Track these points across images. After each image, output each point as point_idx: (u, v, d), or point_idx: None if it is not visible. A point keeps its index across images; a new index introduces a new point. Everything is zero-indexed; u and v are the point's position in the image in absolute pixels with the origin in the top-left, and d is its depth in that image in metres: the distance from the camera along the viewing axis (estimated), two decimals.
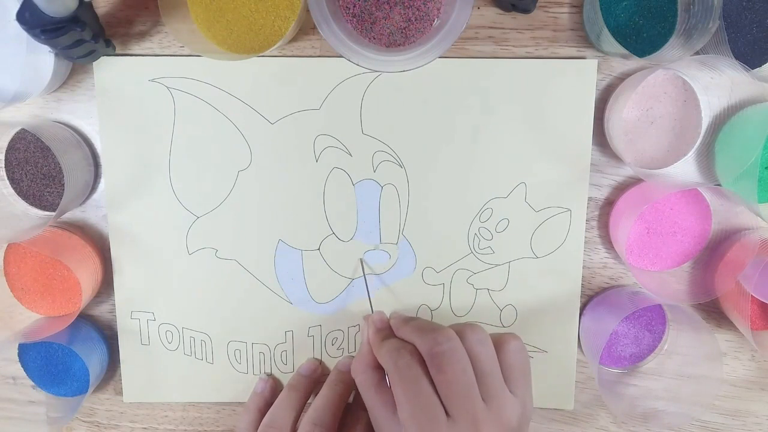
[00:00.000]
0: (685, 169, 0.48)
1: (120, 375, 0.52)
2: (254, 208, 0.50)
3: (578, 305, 0.50)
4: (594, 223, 0.50)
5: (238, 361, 0.52)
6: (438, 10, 0.44)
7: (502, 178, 0.49)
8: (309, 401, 0.48)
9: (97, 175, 0.50)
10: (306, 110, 0.48)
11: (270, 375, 0.52)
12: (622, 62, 0.47)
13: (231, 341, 0.52)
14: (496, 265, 0.50)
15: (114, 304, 0.51)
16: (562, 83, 0.47)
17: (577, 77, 0.47)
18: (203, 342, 0.52)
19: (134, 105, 0.48)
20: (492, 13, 0.47)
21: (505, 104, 0.47)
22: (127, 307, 0.51)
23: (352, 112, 0.48)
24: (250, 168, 0.49)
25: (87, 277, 0.48)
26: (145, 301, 0.51)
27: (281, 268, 0.50)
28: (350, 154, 0.49)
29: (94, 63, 0.48)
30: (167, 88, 0.48)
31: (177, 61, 0.48)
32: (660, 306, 0.51)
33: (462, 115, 0.48)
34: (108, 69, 0.48)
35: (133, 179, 0.49)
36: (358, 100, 0.48)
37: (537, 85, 0.47)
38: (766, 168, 0.46)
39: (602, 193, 0.49)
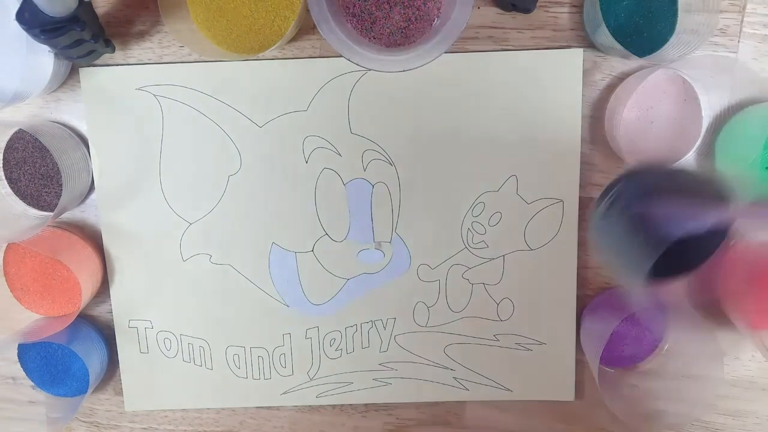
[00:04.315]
0: None
1: (120, 375, 0.52)
2: (246, 212, 0.50)
3: (575, 295, 0.50)
4: None
5: (237, 366, 0.52)
6: (438, 10, 0.44)
7: (492, 171, 0.49)
8: None
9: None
10: (293, 112, 0.48)
11: None
12: (622, 62, 0.47)
13: (229, 346, 0.52)
14: (491, 259, 0.50)
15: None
16: (549, 73, 0.47)
17: (563, 67, 0.47)
18: (202, 348, 0.52)
19: (122, 114, 0.48)
20: (492, 13, 0.47)
21: (492, 97, 0.47)
22: (124, 316, 0.51)
23: (340, 112, 0.48)
24: (240, 172, 0.49)
25: (87, 277, 0.48)
26: (142, 309, 0.51)
27: (276, 271, 0.50)
28: (339, 154, 0.49)
29: (80, 72, 0.48)
30: (154, 96, 0.48)
31: (163, 68, 0.48)
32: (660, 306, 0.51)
33: (449, 110, 0.48)
34: (94, 79, 0.48)
35: (124, 188, 0.49)
36: (345, 99, 0.48)
37: (523, 76, 0.47)
38: (766, 168, 0.46)
39: None
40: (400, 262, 0.50)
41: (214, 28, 0.46)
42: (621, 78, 0.47)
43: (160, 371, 0.52)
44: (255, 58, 0.47)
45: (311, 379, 0.52)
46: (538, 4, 0.45)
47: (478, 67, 0.47)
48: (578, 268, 0.50)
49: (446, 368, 0.51)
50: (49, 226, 0.50)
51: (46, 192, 0.50)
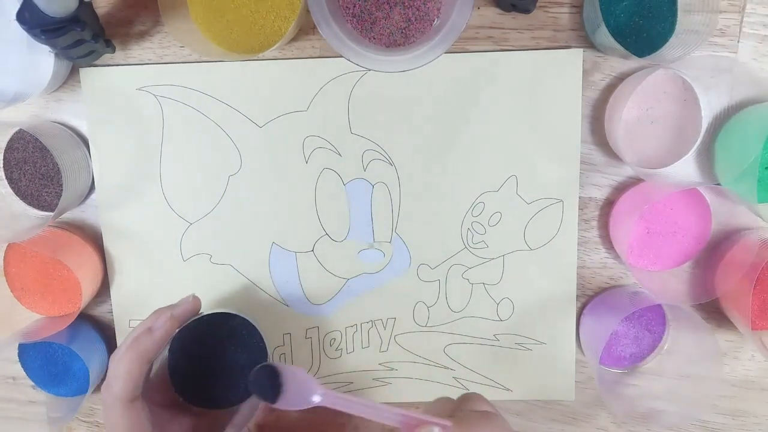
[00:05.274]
0: (685, 169, 0.48)
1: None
2: (246, 212, 0.50)
3: (575, 295, 0.50)
4: (594, 223, 0.50)
5: None
6: (438, 10, 0.44)
7: (492, 171, 0.49)
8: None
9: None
10: (293, 112, 0.48)
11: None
12: (622, 62, 0.47)
13: None
14: (491, 259, 0.50)
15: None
16: (549, 73, 0.47)
17: (563, 67, 0.47)
18: None
19: (123, 114, 0.48)
20: (492, 13, 0.47)
21: (492, 97, 0.47)
22: (124, 316, 0.51)
23: (340, 112, 0.48)
24: (241, 172, 0.49)
25: (87, 277, 0.48)
26: (142, 309, 0.51)
27: (276, 271, 0.50)
28: (340, 155, 0.49)
29: (81, 72, 0.48)
30: (154, 96, 0.48)
31: (163, 68, 0.48)
32: (660, 306, 0.51)
33: (449, 110, 0.48)
34: (94, 79, 0.48)
35: (124, 188, 0.49)
36: (345, 99, 0.48)
37: (523, 76, 0.47)
38: (766, 168, 0.46)
39: (602, 193, 0.49)
40: (400, 262, 0.50)
41: (214, 28, 0.46)
42: (621, 78, 0.47)
43: None
44: (255, 58, 0.47)
45: None
46: (538, 4, 0.45)
47: (477, 67, 0.47)
48: (578, 268, 0.50)
49: (446, 368, 0.52)
50: (49, 226, 0.50)
51: (46, 192, 0.50)
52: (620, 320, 0.47)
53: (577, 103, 0.47)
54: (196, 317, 0.43)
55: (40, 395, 0.53)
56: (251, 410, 0.44)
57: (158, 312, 0.43)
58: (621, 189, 0.49)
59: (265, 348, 0.45)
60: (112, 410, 0.38)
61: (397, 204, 0.49)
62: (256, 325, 0.45)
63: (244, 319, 0.45)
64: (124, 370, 0.38)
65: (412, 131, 0.48)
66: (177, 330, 0.41)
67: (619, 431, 0.53)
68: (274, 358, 0.52)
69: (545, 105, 0.47)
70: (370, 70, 0.45)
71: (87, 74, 0.48)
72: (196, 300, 0.44)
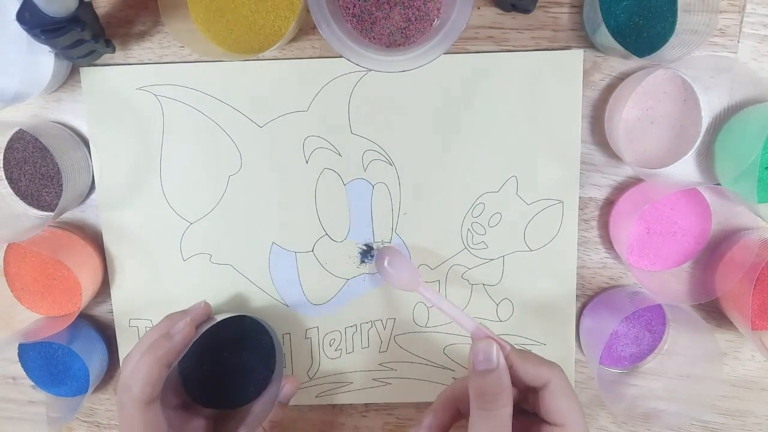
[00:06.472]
0: (685, 169, 0.48)
1: (120, 375, 0.52)
2: (246, 212, 0.50)
3: (574, 296, 0.50)
4: (594, 223, 0.50)
5: None
6: (438, 10, 0.44)
7: (492, 172, 0.49)
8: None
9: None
10: (294, 112, 0.48)
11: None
12: (622, 62, 0.47)
13: None
14: (491, 260, 0.50)
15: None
16: (550, 75, 0.47)
17: (563, 67, 0.47)
18: None
19: (123, 114, 0.48)
20: (492, 13, 0.47)
21: (492, 98, 0.47)
22: (125, 316, 0.51)
23: (340, 113, 0.48)
24: (241, 172, 0.49)
25: (87, 277, 0.48)
26: (142, 308, 0.51)
27: (276, 271, 0.50)
28: (340, 155, 0.49)
29: (81, 72, 0.48)
30: (154, 96, 0.48)
31: (163, 68, 0.48)
32: (660, 306, 0.51)
33: (450, 111, 0.48)
34: (95, 79, 0.48)
35: (125, 188, 0.49)
36: (345, 100, 0.48)
37: (524, 77, 0.47)
38: (765, 168, 0.46)
39: (602, 193, 0.49)
40: None
41: (214, 28, 0.46)
42: (621, 78, 0.47)
43: None
44: (255, 58, 0.47)
45: (311, 379, 0.52)
46: (537, 4, 0.45)
47: (478, 67, 0.47)
48: (578, 268, 0.50)
49: (446, 368, 0.51)
50: (49, 226, 0.50)
51: (46, 192, 0.50)
52: (620, 320, 0.47)
53: (577, 104, 0.47)
54: (213, 324, 0.43)
55: (40, 395, 0.53)
56: (264, 410, 0.44)
57: (172, 317, 0.44)
58: (621, 189, 0.49)
59: (273, 345, 0.45)
60: (130, 411, 0.38)
61: (397, 204, 0.49)
62: (265, 324, 0.45)
63: (254, 319, 0.44)
64: (143, 372, 0.38)
65: (412, 131, 0.48)
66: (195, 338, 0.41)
67: (619, 431, 0.53)
68: None
69: (545, 105, 0.47)
70: (370, 70, 0.45)
71: (87, 74, 0.48)
72: (207, 306, 0.45)
